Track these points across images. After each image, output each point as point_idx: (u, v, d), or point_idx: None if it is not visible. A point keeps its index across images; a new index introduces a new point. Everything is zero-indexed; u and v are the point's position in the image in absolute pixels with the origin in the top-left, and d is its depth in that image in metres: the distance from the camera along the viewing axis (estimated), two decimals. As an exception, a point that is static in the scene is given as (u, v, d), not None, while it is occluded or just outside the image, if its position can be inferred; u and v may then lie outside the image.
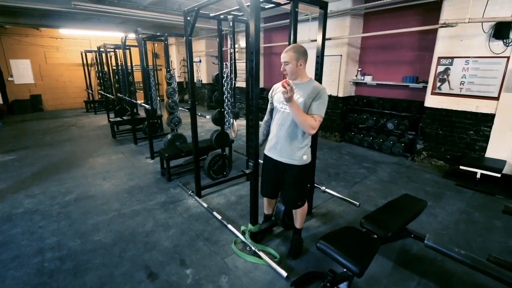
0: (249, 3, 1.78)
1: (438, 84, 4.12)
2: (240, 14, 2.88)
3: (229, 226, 2.60)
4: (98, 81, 8.91)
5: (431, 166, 4.41)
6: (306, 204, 2.24)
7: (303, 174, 2.06)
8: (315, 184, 2.80)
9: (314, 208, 3.01)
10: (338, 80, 5.50)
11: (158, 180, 3.80)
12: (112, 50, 7.05)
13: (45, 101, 9.65)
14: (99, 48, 7.01)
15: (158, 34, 4.26)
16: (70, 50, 9.74)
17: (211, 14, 2.84)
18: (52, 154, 4.93)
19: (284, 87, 1.62)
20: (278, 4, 2.29)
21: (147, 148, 4.81)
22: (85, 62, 8.98)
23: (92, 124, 7.49)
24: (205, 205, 3.02)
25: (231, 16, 2.86)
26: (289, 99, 1.67)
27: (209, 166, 3.42)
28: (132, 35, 4.17)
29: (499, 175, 3.40)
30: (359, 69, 5.57)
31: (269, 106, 2.16)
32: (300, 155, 1.96)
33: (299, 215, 2.26)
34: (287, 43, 2.39)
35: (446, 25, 3.57)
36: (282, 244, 2.43)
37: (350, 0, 4.93)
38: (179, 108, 4.79)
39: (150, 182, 3.73)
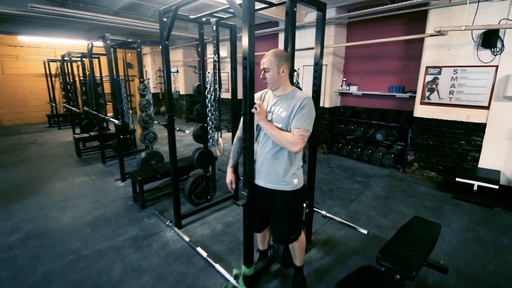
0: (240, 1, 1.44)
1: (427, 93, 4.03)
2: (224, 17, 2.54)
3: (217, 266, 2.16)
4: (64, 93, 8.11)
5: (423, 178, 4.27)
6: (303, 235, 1.88)
7: (295, 201, 1.71)
8: (315, 208, 2.46)
9: (313, 234, 2.66)
10: (324, 90, 5.32)
11: (129, 208, 3.26)
12: (79, 59, 6.44)
13: (1, 116, 8.62)
14: (63, 57, 6.35)
15: (129, 40, 3.80)
16: (32, 59, 8.84)
17: (191, 17, 2.46)
18: (1, 179, 4.18)
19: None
20: (272, 4, 1.98)
21: (117, 168, 4.24)
22: (48, 72, 8.17)
23: (54, 141, 6.69)
24: (187, 239, 2.55)
25: (215, 19, 2.51)
26: (259, 118, 1.54)
27: (191, 190, 2.97)
28: (100, 42, 3.68)
29: (496, 187, 3.28)
30: (344, 79, 5.43)
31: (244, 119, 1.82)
32: (290, 178, 1.63)
33: (297, 251, 1.89)
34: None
35: (439, 34, 3.48)
36: (282, 285, 2.04)
37: (334, 9, 4.80)
38: (155, 122, 4.30)
39: (120, 211, 3.18)
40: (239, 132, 1.80)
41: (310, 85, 2.24)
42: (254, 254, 2.02)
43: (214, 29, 2.51)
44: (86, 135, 5.44)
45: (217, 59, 2.58)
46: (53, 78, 8.40)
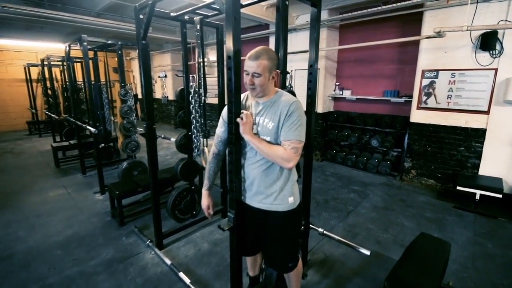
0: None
1: (424, 98, 3.88)
2: (209, 14, 2.31)
3: (202, 295, 1.89)
4: (45, 99, 7.72)
5: (421, 186, 4.10)
6: (300, 263, 1.64)
7: (292, 223, 1.46)
8: (311, 225, 2.22)
9: (309, 253, 2.41)
10: (317, 95, 5.12)
11: (106, 225, 2.95)
12: (60, 63, 6.11)
13: (-23, 123, 8.15)
14: (42, 61, 6.01)
15: (109, 42, 3.53)
16: (11, 64, 8.42)
17: (172, 14, 2.23)
18: (-33, 193, 3.81)
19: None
20: (260, -2, 1.76)
21: (97, 179, 3.92)
22: (29, 77, 7.77)
23: (33, 149, 6.29)
24: (168, 262, 2.27)
25: (199, 17, 2.28)
26: (243, 130, 1.29)
27: (174, 205, 2.69)
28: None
29: (500, 196, 3.12)
30: (337, 84, 5.27)
31: (219, 130, 1.49)
32: (285, 197, 1.39)
33: (293, 279, 1.65)
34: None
35: (438, 35, 3.34)
36: (275, 317, 1.78)
37: (326, 11, 4.65)
38: (138, 129, 4.01)
39: (96, 229, 2.87)
40: (214, 148, 1.52)
41: (301, 89, 2.03)
42: (244, 279, 1.76)
43: (198, 28, 2.28)
44: (65, 143, 5.10)
45: (201, 62, 2.34)
46: (35, 84, 7.99)
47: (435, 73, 3.71)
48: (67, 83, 5.89)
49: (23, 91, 8.45)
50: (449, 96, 3.66)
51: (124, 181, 3.30)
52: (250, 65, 1.26)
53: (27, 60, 8.22)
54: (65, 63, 5.80)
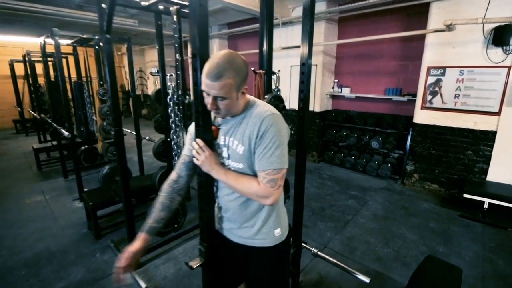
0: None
1: (429, 97, 3.60)
2: (187, 4, 2.02)
3: (175, 332, 1.64)
4: (32, 96, 7.41)
5: (424, 191, 3.84)
6: None
7: (280, 258, 1.19)
8: (303, 244, 1.97)
9: (302, 273, 2.16)
10: (314, 93, 4.85)
11: (82, 238, 2.69)
12: (41, 59, 5.78)
13: (-38, 121, 7.84)
14: (24, 56, 5.68)
15: (85, 37, 3.23)
16: (-3, 60, 8.08)
17: (143, 3, 1.93)
18: None
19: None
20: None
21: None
22: (14, 74, 7.43)
23: (17, 150, 6.00)
24: (143, 285, 2.02)
25: (175, 7, 1.99)
26: (204, 167, 1.03)
27: (154, 218, 2.43)
28: (65, 40, 3.11)
29: (511, 206, 2.87)
30: (336, 81, 4.98)
31: (185, 149, 1.17)
32: (270, 229, 1.11)
33: None
34: (257, 51, 1.58)
35: (448, 28, 3.04)
36: None
37: (324, 3, 4.33)
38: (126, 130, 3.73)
39: (69, 243, 2.62)
40: (174, 173, 1.17)
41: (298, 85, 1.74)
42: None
43: (175, 20, 1.99)
44: (48, 144, 4.82)
45: (180, 58, 2.06)
46: (22, 80, 7.65)
47: (442, 70, 3.42)
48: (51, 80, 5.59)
49: (9, 88, 8.10)
50: (457, 95, 3.38)
51: (101, 189, 3.04)
52: (209, 86, 0.90)
53: (12, 56, 7.87)
54: (49, 59, 5.50)
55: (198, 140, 1.05)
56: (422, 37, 3.60)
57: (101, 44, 3.05)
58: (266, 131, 0.94)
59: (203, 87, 0.94)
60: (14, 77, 7.37)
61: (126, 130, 3.90)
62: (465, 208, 3.25)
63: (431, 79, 3.52)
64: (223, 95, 0.91)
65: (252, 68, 1.41)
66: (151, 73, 9.18)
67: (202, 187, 1.13)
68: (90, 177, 4.19)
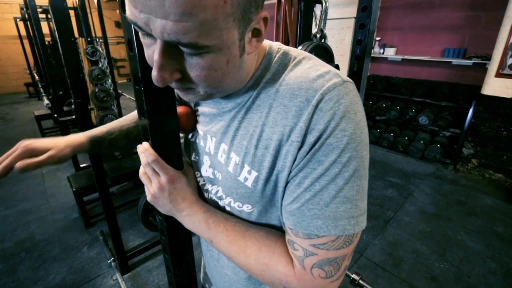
0: None
1: (510, 60, 2.67)
2: None
3: None
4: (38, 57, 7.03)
5: (484, 181, 3.10)
6: None
7: None
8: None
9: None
10: (350, 53, 3.96)
11: (71, 225, 2.33)
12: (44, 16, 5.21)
13: (-25, 85, 7.75)
14: (22, 11, 5.13)
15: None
16: (3, 18, 7.64)
17: None
18: None
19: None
20: None
21: (84, 156, 3.30)
22: (21, 33, 7.00)
23: (26, 115, 5.77)
24: (129, 300, 1.61)
25: None
26: (155, 201, 0.47)
27: (146, 209, 1.96)
28: None
29: None
30: (378, 39, 4.02)
31: None
32: None
33: None
34: None
35: None
36: None
37: None
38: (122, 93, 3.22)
39: (56, 231, 2.26)
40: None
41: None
42: None
43: None
44: (49, 112, 4.44)
45: None
46: (26, 41, 7.23)
47: (539, 20, 2.45)
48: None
49: (19, 49, 7.78)
50: (556, 57, 2.45)
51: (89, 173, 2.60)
52: (149, 9, 0.27)
53: (17, 13, 7.38)
54: (49, 15, 4.91)
55: (145, 144, 0.45)
56: (513, -27, 2.58)
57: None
58: (326, 132, 0.35)
59: (129, 15, 0.30)
60: (20, 37, 6.95)
61: (126, 95, 3.39)
62: (544, 207, 2.52)
63: (520, 34, 2.57)
64: (197, 40, 0.29)
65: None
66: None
67: (165, 235, 0.56)
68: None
